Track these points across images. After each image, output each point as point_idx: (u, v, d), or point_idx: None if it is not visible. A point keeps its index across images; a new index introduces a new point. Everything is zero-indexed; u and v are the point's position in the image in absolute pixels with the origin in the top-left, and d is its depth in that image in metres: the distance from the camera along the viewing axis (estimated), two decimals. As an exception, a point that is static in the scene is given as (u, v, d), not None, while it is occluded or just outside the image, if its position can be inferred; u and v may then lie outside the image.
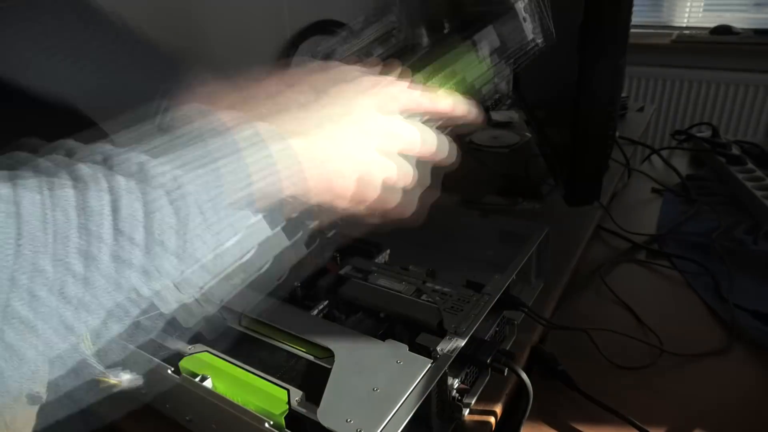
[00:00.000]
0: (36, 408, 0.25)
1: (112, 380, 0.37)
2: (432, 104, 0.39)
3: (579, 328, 0.61)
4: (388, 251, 0.67)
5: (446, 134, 0.40)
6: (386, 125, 0.35)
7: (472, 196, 0.90)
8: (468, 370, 0.50)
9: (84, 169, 0.26)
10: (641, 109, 1.39)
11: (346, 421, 0.39)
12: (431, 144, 0.38)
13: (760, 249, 0.73)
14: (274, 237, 0.34)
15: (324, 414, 0.40)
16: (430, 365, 0.44)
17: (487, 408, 0.50)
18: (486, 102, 0.45)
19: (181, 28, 1.72)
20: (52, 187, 0.24)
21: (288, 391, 0.44)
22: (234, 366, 0.47)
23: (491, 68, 0.45)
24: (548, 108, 0.86)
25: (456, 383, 0.47)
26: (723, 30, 2.01)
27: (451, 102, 0.40)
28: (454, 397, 0.47)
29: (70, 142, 0.28)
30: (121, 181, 0.25)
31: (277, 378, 0.46)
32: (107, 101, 0.51)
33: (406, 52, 0.44)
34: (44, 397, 0.25)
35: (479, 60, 0.44)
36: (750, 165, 0.93)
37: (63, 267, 0.24)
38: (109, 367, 0.29)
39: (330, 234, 0.56)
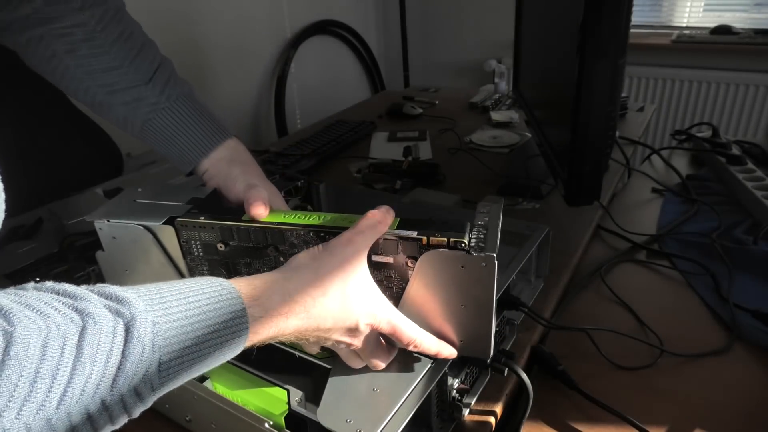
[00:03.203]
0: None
1: None
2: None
3: (579, 328, 0.61)
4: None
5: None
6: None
7: (472, 196, 0.90)
8: (468, 370, 0.50)
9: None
10: (641, 109, 1.39)
11: (346, 421, 0.39)
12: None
13: (760, 249, 0.73)
14: None
15: (324, 414, 0.40)
16: (430, 365, 0.44)
17: (487, 408, 0.50)
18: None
19: (181, 27, 1.72)
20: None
21: (288, 391, 0.44)
22: (234, 366, 0.47)
23: None
24: (548, 108, 0.86)
25: (456, 383, 0.47)
26: (723, 30, 2.01)
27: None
28: (454, 397, 0.47)
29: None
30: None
31: (277, 378, 0.46)
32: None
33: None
34: None
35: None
36: (750, 165, 0.93)
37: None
38: None
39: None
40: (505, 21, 1.29)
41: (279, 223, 0.46)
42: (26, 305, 0.26)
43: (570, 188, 0.68)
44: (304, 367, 0.47)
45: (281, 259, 0.46)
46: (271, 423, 0.41)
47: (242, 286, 0.36)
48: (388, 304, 0.43)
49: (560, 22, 0.72)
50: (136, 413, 0.30)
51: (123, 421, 0.30)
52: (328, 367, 0.45)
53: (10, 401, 0.24)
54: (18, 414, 0.24)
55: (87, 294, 0.29)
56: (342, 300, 0.39)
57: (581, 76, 0.60)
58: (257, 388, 0.45)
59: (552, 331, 0.62)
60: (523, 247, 0.61)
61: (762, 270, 0.70)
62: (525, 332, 0.59)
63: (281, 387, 0.44)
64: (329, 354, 0.47)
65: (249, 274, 0.47)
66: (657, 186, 0.98)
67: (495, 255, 0.41)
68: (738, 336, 0.61)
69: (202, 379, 0.46)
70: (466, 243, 0.41)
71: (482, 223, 0.45)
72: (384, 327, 0.42)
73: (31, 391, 0.24)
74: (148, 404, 0.31)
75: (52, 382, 0.25)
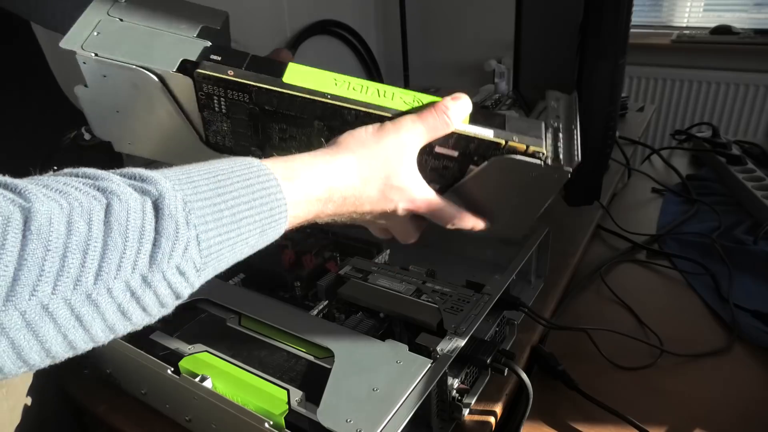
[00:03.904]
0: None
1: None
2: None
3: (579, 328, 0.61)
4: (388, 251, 0.67)
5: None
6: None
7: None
8: (468, 370, 0.50)
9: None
10: (641, 109, 1.38)
11: (346, 421, 0.39)
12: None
13: (760, 249, 0.73)
14: None
15: (324, 414, 0.40)
16: (430, 365, 0.44)
17: (487, 408, 0.50)
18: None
19: (181, 28, 1.71)
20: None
21: (288, 391, 0.44)
22: (234, 366, 0.47)
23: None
24: (548, 108, 0.86)
25: (456, 383, 0.47)
26: (723, 30, 2.01)
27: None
28: (454, 397, 0.47)
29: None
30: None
31: (277, 378, 0.46)
32: None
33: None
34: None
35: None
36: (750, 165, 0.93)
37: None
38: None
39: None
40: (505, 21, 1.28)
41: (334, 96, 0.39)
42: (44, 185, 0.25)
43: (570, 188, 0.69)
44: (304, 367, 0.47)
45: (326, 132, 0.41)
46: (271, 423, 0.41)
47: (278, 167, 0.34)
48: (427, 189, 0.41)
49: (560, 22, 0.72)
50: (185, 294, 0.29)
51: (172, 301, 0.29)
52: (328, 367, 0.45)
53: (41, 276, 0.23)
54: (54, 289, 0.23)
55: (108, 174, 0.27)
56: (383, 189, 0.38)
57: (581, 76, 0.61)
58: (257, 388, 0.45)
59: (552, 331, 0.62)
60: (523, 247, 0.61)
61: (762, 270, 0.70)
62: (525, 332, 0.59)
63: (281, 387, 0.44)
64: (329, 354, 0.47)
65: (282, 140, 0.43)
66: (657, 186, 0.98)
67: (571, 170, 0.38)
68: (738, 336, 0.61)
69: (203, 379, 0.46)
70: (545, 152, 0.38)
71: (555, 124, 0.40)
72: (423, 210, 0.41)
73: (63, 266, 0.23)
74: (196, 286, 0.29)
75: (84, 257, 0.24)
